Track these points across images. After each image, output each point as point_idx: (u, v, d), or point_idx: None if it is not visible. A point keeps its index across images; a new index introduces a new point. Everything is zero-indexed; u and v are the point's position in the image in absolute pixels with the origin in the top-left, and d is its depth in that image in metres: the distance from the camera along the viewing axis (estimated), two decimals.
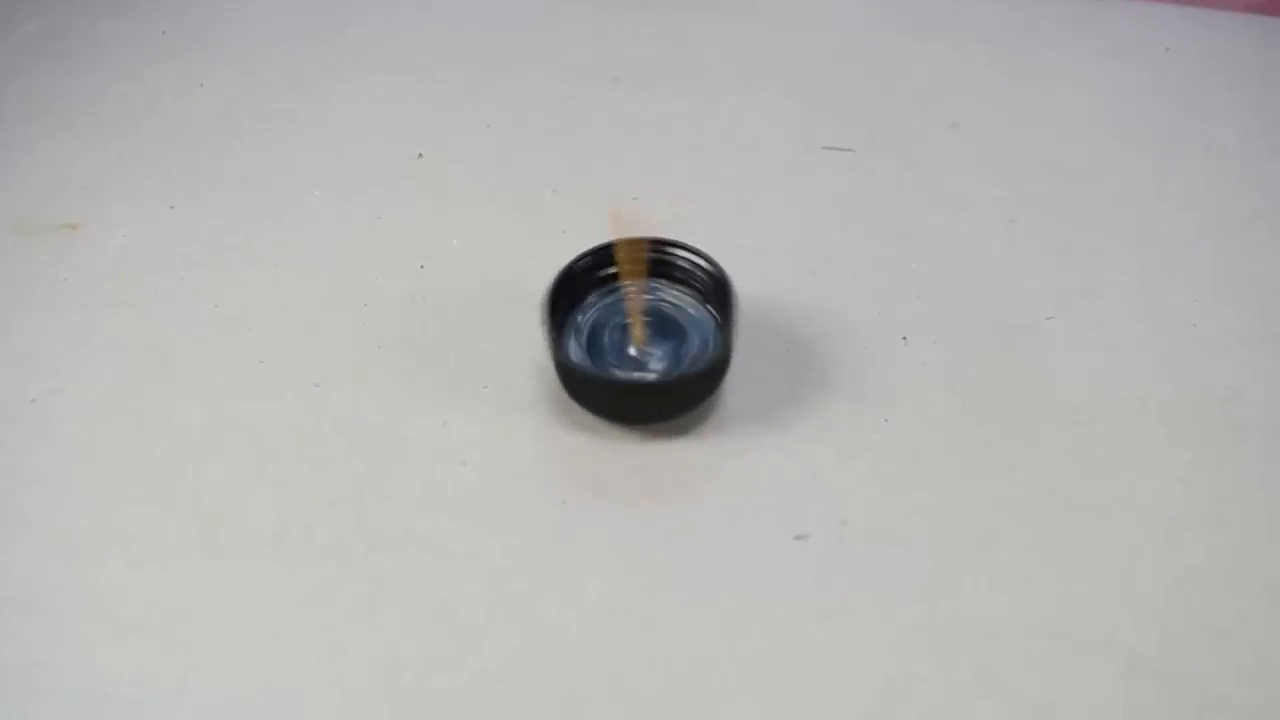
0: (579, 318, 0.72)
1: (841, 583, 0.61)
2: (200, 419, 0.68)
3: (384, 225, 0.83)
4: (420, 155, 0.89)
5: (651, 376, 0.69)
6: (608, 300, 0.73)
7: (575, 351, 0.70)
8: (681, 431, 0.69)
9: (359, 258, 0.80)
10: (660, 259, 0.73)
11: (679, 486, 0.66)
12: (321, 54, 1.01)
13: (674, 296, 0.73)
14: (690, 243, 0.73)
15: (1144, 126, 0.98)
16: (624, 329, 0.72)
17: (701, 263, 0.72)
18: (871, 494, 0.66)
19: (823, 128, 0.94)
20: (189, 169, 0.87)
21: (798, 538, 0.63)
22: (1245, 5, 1.18)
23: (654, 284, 0.74)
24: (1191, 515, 0.66)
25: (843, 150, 0.92)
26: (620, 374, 0.69)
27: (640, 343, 0.71)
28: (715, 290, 0.71)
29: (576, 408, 0.69)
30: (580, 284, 0.73)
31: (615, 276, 0.73)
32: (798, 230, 0.84)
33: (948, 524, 0.65)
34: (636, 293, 0.73)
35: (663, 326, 0.72)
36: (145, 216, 0.83)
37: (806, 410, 0.71)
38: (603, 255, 0.73)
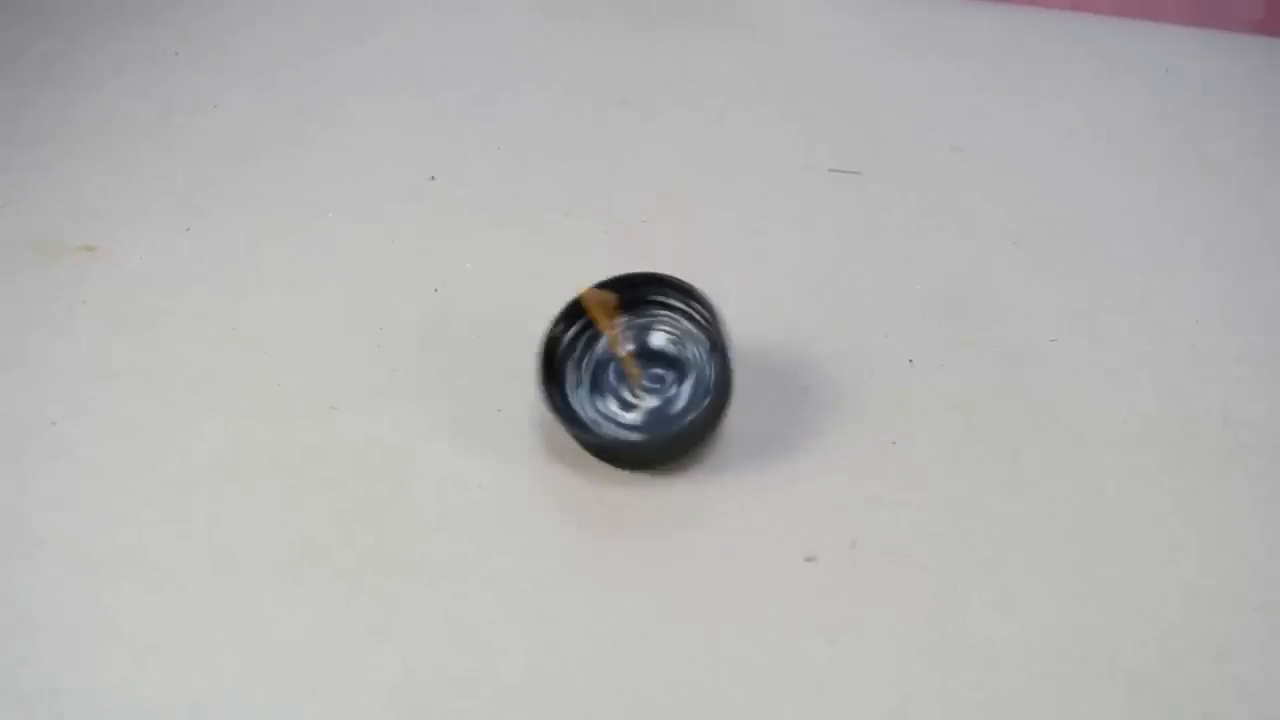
0: (582, 361, 0.72)
1: (851, 604, 0.62)
2: (217, 441, 0.69)
3: (398, 248, 0.84)
4: (433, 178, 0.90)
5: (635, 437, 0.68)
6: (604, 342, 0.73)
7: (582, 394, 0.70)
8: (691, 456, 0.70)
9: (374, 281, 0.81)
10: (643, 294, 0.72)
11: (690, 510, 0.67)
12: (334, 75, 1.02)
13: (669, 324, 0.73)
14: (680, 275, 0.72)
15: (1145, 147, 0.99)
16: (607, 376, 0.72)
17: (695, 305, 0.71)
18: (879, 515, 0.67)
19: (828, 150, 0.95)
20: (203, 190, 0.88)
21: (808, 560, 0.64)
22: (1245, 26, 1.19)
23: (645, 318, 0.73)
24: (1192, 535, 0.67)
25: (848, 173, 0.93)
26: (609, 434, 0.69)
27: (637, 381, 0.71)
28: (710, 323, 0.71)
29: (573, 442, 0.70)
30: (567, 345, 0.72)
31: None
32: (803, 252, 0.85)
33: (954, 545, 0.65)
34: (620, 337, 0.72)
35: (659, 358, 0.72)
36: (161, 238, 0.83)
37: (814, 433, 0.72)
38: (576, 313, 0.72)
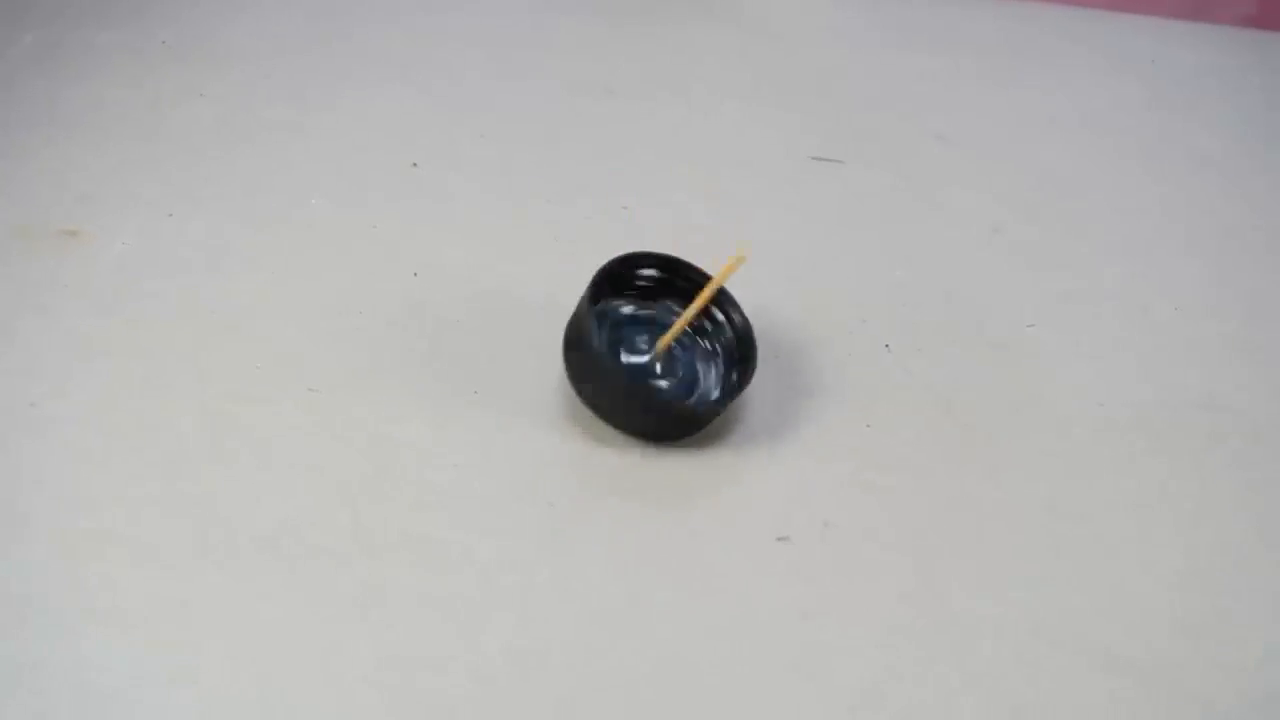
0: (610, 309, 0.73)
1: (824, 583, 0.62)
2: (198, 423, 0.69)
3: (379, 233, 0.84)
4: (415, 165, 0.90)
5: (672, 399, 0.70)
6: (639, 310, 0.74)
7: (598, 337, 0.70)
8: (669, 438, 0.70)
9: (354, 265, 0.81)
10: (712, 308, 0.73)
11: (663, 491, 0.67)
12: (319, 65, 1.02)
13: (696, 337, 0.74)
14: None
15: (1130, 137, 0.99)
16: (648, 336, 0.73)
17: (736, 320, 0.73)
18: (853, 497, 0.67)
19: (813, 139, 0.96)
20: (188, 176, 0.89)
21: (780, 539, 0.64)
22: (1232, 18, 1.19)
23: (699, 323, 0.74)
24: (1170, 518, 0.67)
25: (831, 161, 0.93)
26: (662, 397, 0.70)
27: (660, 353, 0.71)
28: (737, 345, 0.72)
29: (566, 414, 0.71)
30: (623, 280, 0.73)
31: (657, 287, 0.74)
32: (784, 239, 0.86)
33: (930, 527, 0.66)
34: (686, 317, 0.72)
35: (678, 355, 0.73)
36: (145, 223, 0.84)
37: (789, 416, 0.72)
38: (673, 272, 0.73)
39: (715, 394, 0.71)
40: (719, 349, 0.73)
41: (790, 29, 1.11)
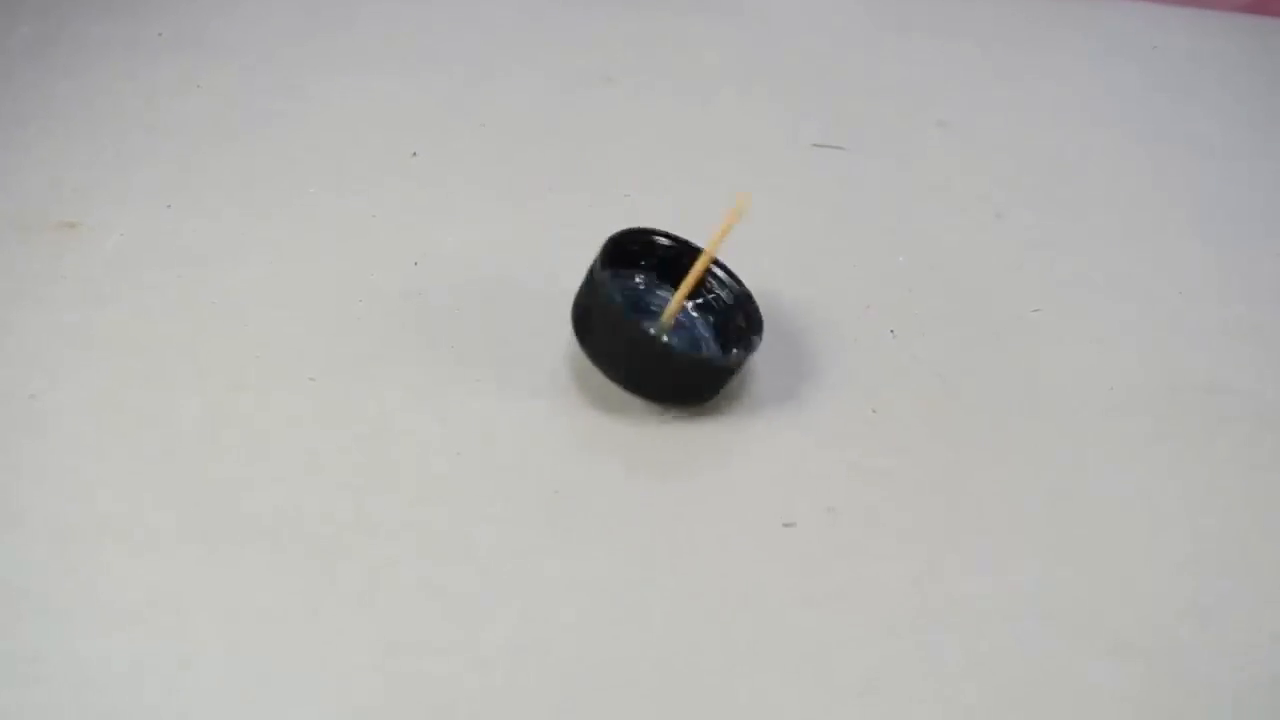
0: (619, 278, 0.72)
1: (830, 569, 0.62)
2: (198, 413, 0.69)
3: (379, 223, 0.84)
4: (415, 154, 0.90)
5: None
6: (645, 287, 0.74)
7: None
8: (670, 422, 0.70)
9: (354, 254, 0.81)
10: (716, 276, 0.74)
11: (668, 477, 0.67)
12: (317, 53, 1.02)
13: (699, 314, 0.74)
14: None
15: (1131, 123, 0.99)
16: (649, 305, 0.72)
17: (731, 284, 0.73)
18: (859, 483, 0.67)
19: (813, 125, 0.95)
20: (185, 168, 0.88)
21: (786, 525, 0.64)
22: (1231, 4, 1.19)
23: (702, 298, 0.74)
24: (1175, 502, 0.67)
25: (833, 148, 0.93)
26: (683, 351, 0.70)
27: (667, 325, 0.71)
28: (739, 310, 0.72)
29: (569, 400, 0.70)
30: (633, 253, 0.73)
31: (663, 268, 0.74)
32: (788, 226, 0.85)
33: (936, 512, 0.65)
34: (692, 284, 0.71)
35: (679, 329, 0.73)
36: (142, 215, 0.83)
37: (792, 402, 0.72)
38: (682, 250, 0.73)
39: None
40: (714, 320, 0.73)
41: (790, 16, 1.11)
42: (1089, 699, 0.57)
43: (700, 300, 0.74)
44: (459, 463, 0.67)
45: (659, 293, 0.74)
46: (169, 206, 0.84)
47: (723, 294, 0.73)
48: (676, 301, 0.70)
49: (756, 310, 0.71)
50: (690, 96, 0.99)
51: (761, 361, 0.73)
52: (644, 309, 0.73)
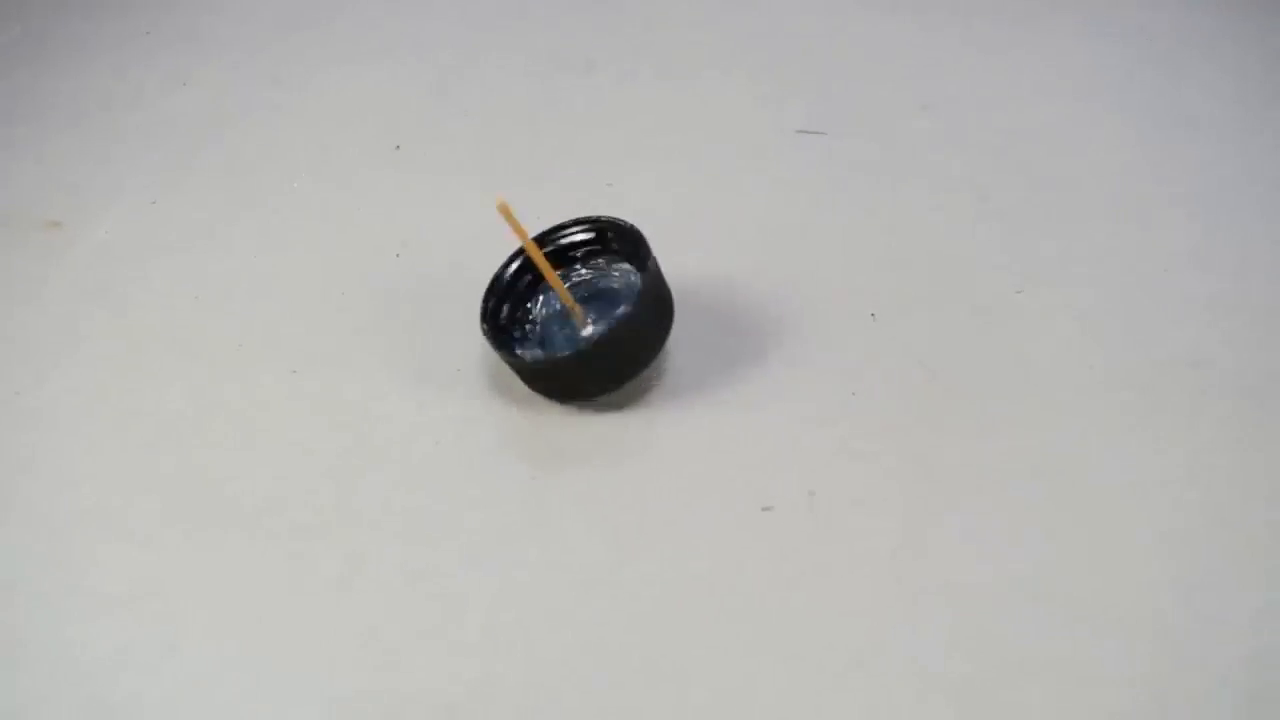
0: (527, 322, 0.73)
1: (810, 551, 0.62)
2: (182, 405, 0.70)
3: (361, 215, 0.84)
4: (398, 147, 0.90)
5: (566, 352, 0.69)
6: (542, 307, 0.74)
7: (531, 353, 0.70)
8: (649, 406, 0.70)
9: (337, 246, 0.81)
10: (563, 243, 0.74)
11: (647, 461, 0.67)
12: (302, 49, 1.02)
13: (617, 272, 0.74)
14: (648, 236, 0.72)
15: (1116, 100, 0.98)
16: (568, 317, 0.72)
17: (615, 226, 0.72)
18: (840, 464, 0.67)
19: (796, 110, 0.95)
20: (172, 165, 0.89)
21: (764, 509, 0.64)
22: None
23: (584, 268, 0.74)
24: (1159, 477, 0.67)
25: (816, 133, 0.93)
26: (529, 355, 0.70)
27: (581, 318, 0.71)
28: (633, 245, 0.71)
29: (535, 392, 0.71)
30: (513, 291, 0.73)
31: (590, 253, 0.74)
32: (770, 210, 0.85)
33: (918, 493, 0.65)
34: (558, 277, 0.72)
35: (600, 299, 0.73)
36: (128, 212, 0.84)
37: (772, 385, 0.71)
38: (521, 257, 0.73)
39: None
40: (602, 264, 0.74)
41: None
42: (1073, 674, 0.57)
43: (579, 271, 0.74)
44: (438, 451, 0.67)
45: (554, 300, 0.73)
46: (154, 203, 0.85)
47: (583, 259, 0.74)
48: (559, 289, 0.70)
49: (630, 236, 0.71)
50: (673, 81, 0.98)
51: (741, 344, 0.73)
52: (565, 321, 0.72)
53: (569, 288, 0.72)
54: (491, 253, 0.80)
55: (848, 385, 0.71)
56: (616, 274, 0.74)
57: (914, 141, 0.92)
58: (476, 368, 0.72)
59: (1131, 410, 0.71)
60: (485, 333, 0.68)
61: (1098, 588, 0.60)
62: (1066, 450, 0.68)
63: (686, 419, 0.69)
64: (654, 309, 0.69)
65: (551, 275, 0.70)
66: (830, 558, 0.62)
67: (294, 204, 0.85)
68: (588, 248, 0.74)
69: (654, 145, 0.92)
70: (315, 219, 0.84)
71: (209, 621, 0.58)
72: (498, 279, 0.72)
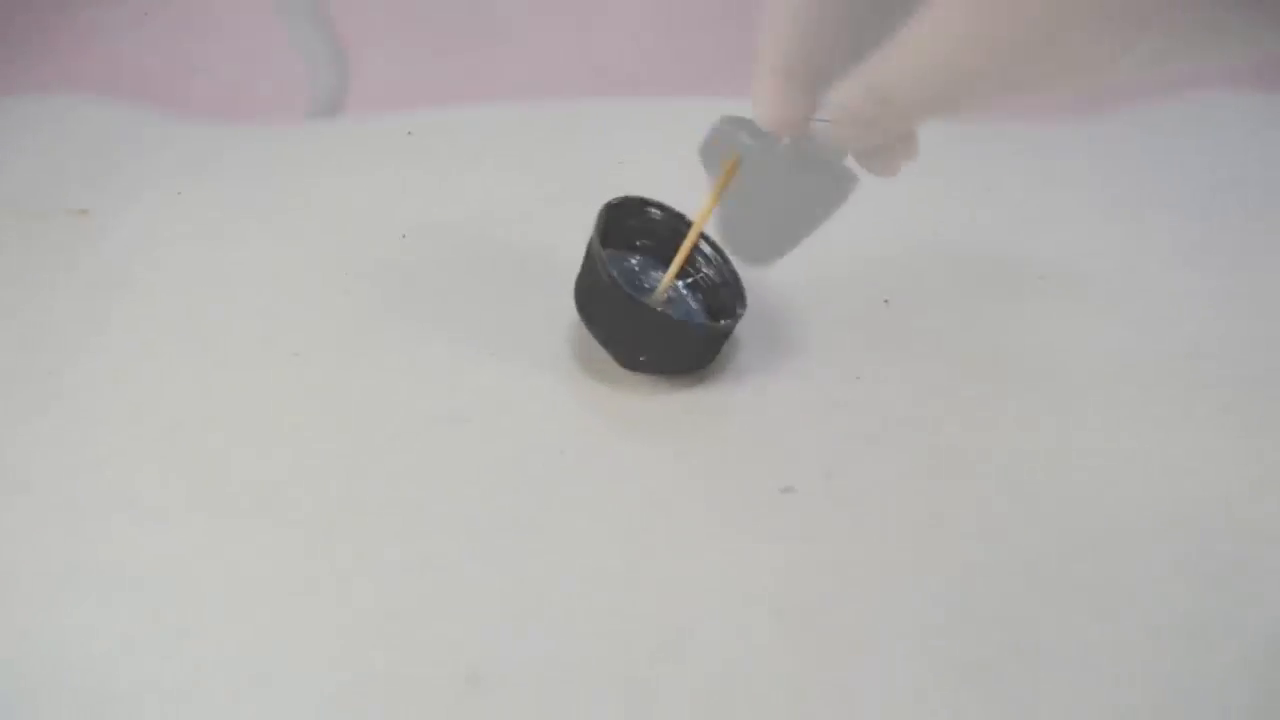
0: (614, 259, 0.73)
1: (832, 532, 0.63)
2: (195, 390, 0.70)
3: (367, 196, 0.85)
4: (410, 133, 0.90)
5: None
6: (639, 265, 0.74)
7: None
8: (665, 392, 0.71)
9: (342, 229, 0.82)
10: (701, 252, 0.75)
11: (665, 445, 0.68)
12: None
13: (688, 291, 0.75)
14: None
15: (1117, 91, 0.99)
16: (644, 285, 0.73)
17: (712, 254, 0.74)
18: (855, 449, 0.67)
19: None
20: (199, 154, 0.89)
21: (784, 491, 0.65)
22: None
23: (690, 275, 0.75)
24: (1161, 464, 0.67)
25: (825, 121, 0.93)
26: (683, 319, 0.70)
27: (661, 297, 0.71)
28: (725, 290, 0.73)
29: (561, 372, 0.71)
30: (629, 229, 0.73)
31: (658, 246, 0.74)
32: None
33: (933, 478, 0.66)
34: (681, 260, 0.71)
35: (673, 298, 0.74)
36: (154, 201, 0.85)
37: (787, 372, 0.73)
38: (671, 215, 0.74)
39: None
40: (703, 297, 0.74)
41: None
42: (1084, 658, 0.57)
43: (690, 280, 0.75)
44: (445, 436, 0.67)
45: (653, 273, 0.75)
46: (179, 194, 0.85)
47: (709, 272, 0.74)
48: (668, 279, 0.71)
49: (739, 283, 0.73)
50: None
51: (754, 330, 0.73)
52: (638, 289, 0.73)
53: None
54: (500, 234, 0.80)
55: (861, 371, 0.72)
56: (686, 294, 0.75)
57: (928, 128, 0.92)
58: (486, 352, 0.73)
59: (1136, 400, 0.71)
60: (612, 279, 0.67)
61: (1105, 573, 0.61)
62: (1078, 439, 0.68)
63: (700, 402, 0.70)
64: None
65: (681, 259, 0.70)
66: (852, 538, 0.62)
67: (321, 194, 0.85)
68: (705, 271, 0.75)
69: (665, 126, 0.90)
70: (320, 201, 0.84)
71: (220, 608, 0.58)
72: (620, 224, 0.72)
